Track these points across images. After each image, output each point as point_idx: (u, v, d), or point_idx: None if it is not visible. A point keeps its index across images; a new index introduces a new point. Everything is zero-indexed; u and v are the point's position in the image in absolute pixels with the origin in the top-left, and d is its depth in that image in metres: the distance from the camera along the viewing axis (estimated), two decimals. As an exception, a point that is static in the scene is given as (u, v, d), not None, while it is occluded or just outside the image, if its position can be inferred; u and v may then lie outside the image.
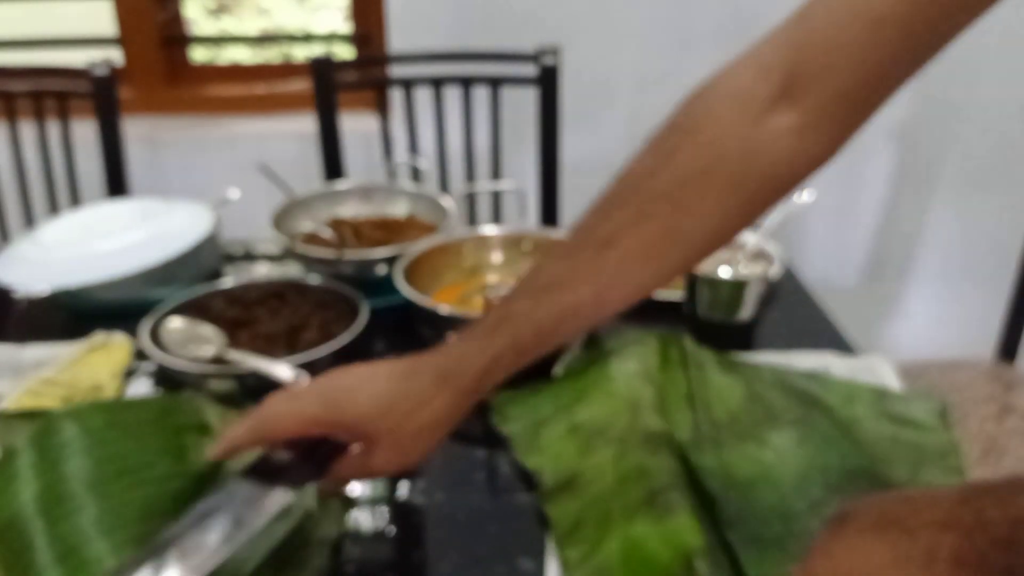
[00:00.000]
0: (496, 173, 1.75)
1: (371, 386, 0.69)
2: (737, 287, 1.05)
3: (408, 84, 1.70)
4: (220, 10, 3.16)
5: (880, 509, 0.52)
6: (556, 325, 0.68)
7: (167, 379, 1.00)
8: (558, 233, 1.19)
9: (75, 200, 1.67)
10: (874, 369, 0.99)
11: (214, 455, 0.70)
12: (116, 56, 1.97)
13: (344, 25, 2.24)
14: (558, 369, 0.98)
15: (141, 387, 1.00)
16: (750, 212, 0.66)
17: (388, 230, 1.26)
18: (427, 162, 1.70)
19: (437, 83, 1.68)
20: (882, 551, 0.51)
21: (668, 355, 0.96)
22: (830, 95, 0.63)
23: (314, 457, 0.70)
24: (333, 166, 1.71)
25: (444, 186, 1.75)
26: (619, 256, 0.65)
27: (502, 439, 0.89)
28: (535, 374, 0.98)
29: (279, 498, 0.66)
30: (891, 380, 0.97)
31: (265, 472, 0.67)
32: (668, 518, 0.72)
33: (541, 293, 0.68)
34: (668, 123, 0.68)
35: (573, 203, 1.80)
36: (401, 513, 0.81)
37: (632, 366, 0.94)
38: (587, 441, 0.85)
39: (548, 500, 0.79)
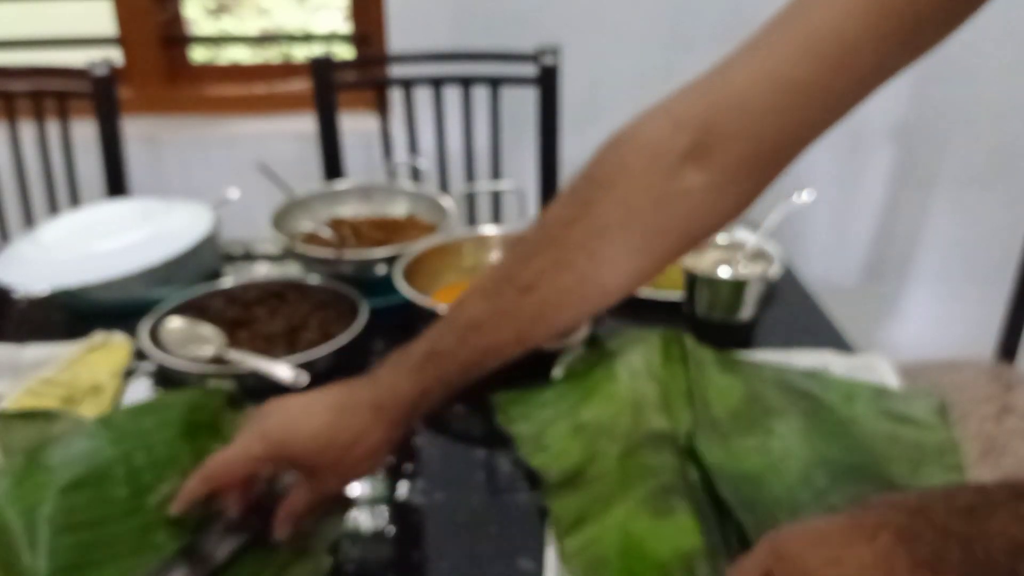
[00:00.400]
0: (496, 173, 1.75)
1: (309, 422, 0.71)
2: (737, 287, 1.05)
3: (408, 84, 1.70)
4: (220, 10, 3.16)
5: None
6: (480, 361, 0.72)
7: (167, 379, 1.00)
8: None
9: (75, 200, 1.67)
10: (873, 368, 0.99)
11: (176, 510, 0.72)
12: (116, 56, 1.97)
13: (344, 25, 2.23)
14: (557, 371, 0.98)
15: (140, 387, 1.00)
16: (663, 261, 0.70)
17: (388, 230, 1.26)
18: (427, 162, 1.70)
19: (437, 83, 1.68)
20: (844, 518, 0.59)
21: (669, 353, 0.96)
22: (740, 157, 0.66)
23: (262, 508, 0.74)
24: (333, 166, 1.71)
25: (444, 186, 1.75)
26: (538, 300, 0.69)
27: (502, 439, 0.89)
28: (536, 374, 0.98)
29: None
30: (890, 379, 0.97)
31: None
32: (669, 518, 0.72)
33: (466, 332, 0.71)
34: (585, 172, 0.70)
35: (573, 203, 1.80)
36: (400, 513, 0.81)
37: (636, 365, 0.94)
38: (592, 439, 0.85)
39: (550, 495, 0.79)
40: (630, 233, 0.68)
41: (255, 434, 0.71)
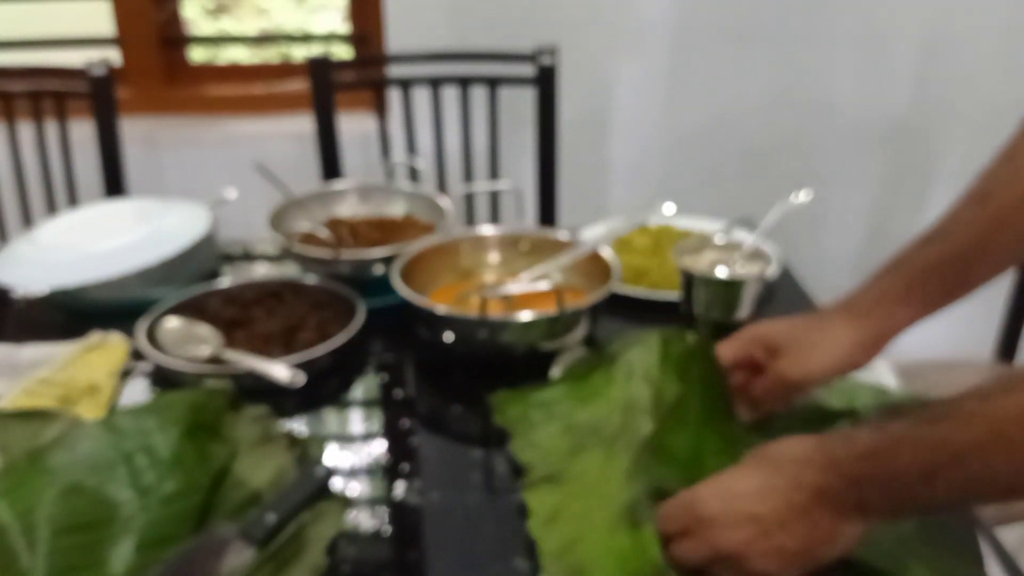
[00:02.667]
0: (494, 173, 1.75)
1: (783, 323, 0.85)
2: (734, 287, 1.05)
3: (406, 84, 1.70)
4: (218, 10, 3.16)
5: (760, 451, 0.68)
6: (941, 267, 0.78)
7: (164, 379, 1.00)
8: (556, 233, 1.19)
9: (73, 200, 1.67)
10: (871, 368, 0.98)
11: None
12: (114, 56, 1.97)
13: (342, 25, 2.23)
14: (555, 371, 0.98)
15: (137, 387, 1.00)
16: None
17: (385, 230, 1.26)
18: (425, 162, 1.70)
19: (435, 83, 1.68)
20: (756, 478, 0.67)
21: (669, 352, 0.96)
22: None
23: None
24: (331, 166, 1.71)
25: (442, 186, 1.75)
26: (995, 207, 0.76)
27: (498, 439, 0.89)
28: (533, 374, 0.98)
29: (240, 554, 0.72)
30: (888, 379, 0.96)
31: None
32: (642, 529, 0.72)
33: (928, 238, 0.79)
34: (1015, 137, 0.79)
35: (571, 203, 1.80)
36: (398, 513, 0.81)
37: (633, 367, 0.94)
38: (580, 440, 0.85)
39: (529, 489, 0.80)
40: None
41: (745, 331, 0.86)
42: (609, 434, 0.84)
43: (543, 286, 1.02)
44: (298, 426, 0.93)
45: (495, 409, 0.94)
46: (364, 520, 0.80)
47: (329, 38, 2.26)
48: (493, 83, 1.67)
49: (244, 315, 1.08)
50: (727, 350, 0.86)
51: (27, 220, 1.69)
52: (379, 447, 0.91)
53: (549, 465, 0.83)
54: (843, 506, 0.63)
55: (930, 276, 0.78)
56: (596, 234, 1.22)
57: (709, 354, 0.93)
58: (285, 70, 2.12)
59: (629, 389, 0.90)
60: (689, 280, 1.07)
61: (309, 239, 1.20)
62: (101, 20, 2.04)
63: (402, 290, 1.03)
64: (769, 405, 0.84)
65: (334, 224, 1.27)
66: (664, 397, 0.89)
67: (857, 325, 0.79)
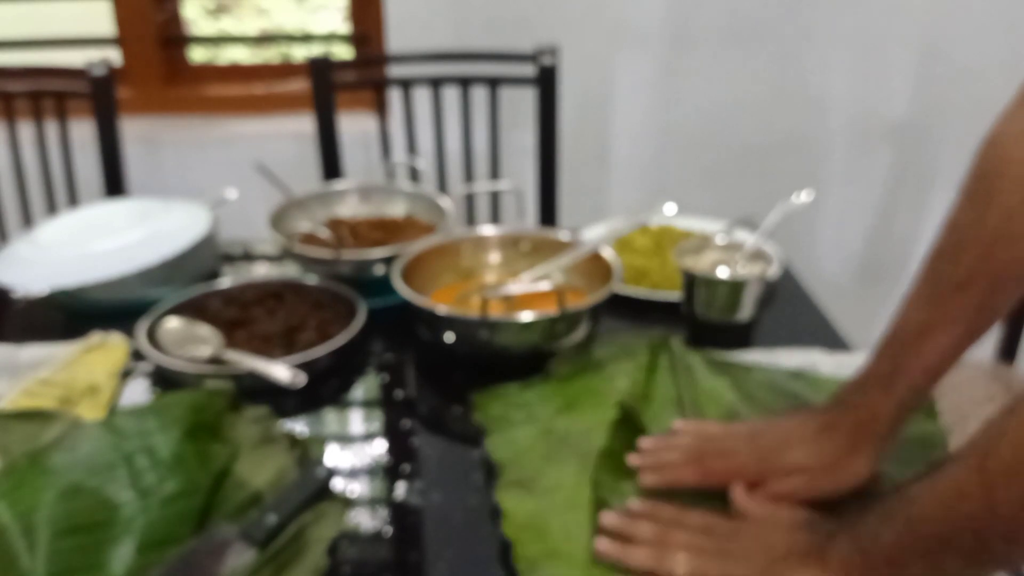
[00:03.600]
0: (494, 173, 1.75)
1: (796, 445, 0.78)
2: (735, 287, 1.05)
3: (406, 84, 1.70)
4: (219, 10, 3.16)
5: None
6: (940, 365, 0.76)
7: (164, 379, 1.00)
8: (557, 233, 1.19)
9: (73, 200, 1.67)
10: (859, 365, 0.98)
11: (650, 484, 0.80)
12: (115, 56, 1.97)
13: (343, 25, 2.23)
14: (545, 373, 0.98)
15: (138, 387, 1.00)
16: None
17: (386, 230, 1.26)
18: (425, 162, 1.70)
19: (435, 83, 1.68)
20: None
21: (657, 362, 0.97)
22: None
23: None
24: (331, 166, 1.71)
25: (442, 186, 1.75)
26: (977, 293, 0.74)
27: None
28: (534, 374, 0.98)
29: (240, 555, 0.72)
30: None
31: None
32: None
33: (920, 340, 0.76)
34: (972, 174, 0.76)
35: (571, 203, 1.80)
36: (398, 514, 0.81)
37: (619, 381, 0.95)
38: (555, 448, 0.85)
39: (503, 490, 0.80)
40: None
41: (745, 451, 0.80)
42: (584, 449, 0.84)
43: (544, 286, 1.02)
44: (299, 427, 0.93)
45: (476, 407, 0.94)
46: (365, 521, 0.80)
47: (329, 38, 2.26)
48: (494, 83, 1.67)
49: (245, 315, 1.08)
50: (739, 466, 0.80)
51: (27, 220, 1.69)
52: (380, 448, 0.91)
53: (521, 467, 0.83)
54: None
55: (932, 375, 0.77)
56: (597, 234, 1.22)
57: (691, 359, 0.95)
58: (285, 70, 2.12)
59: (609, 403, 0.90)
60: (690, 280, 1.07)
61: (310, 239, 1.20)
62: (101, 20, 2.04)
63: (403, 290, 1.03)
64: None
65: (335, 224, 1.27)
66: (656, 403, 0.90)
67: (871, 455, 0.77)
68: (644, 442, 0.84)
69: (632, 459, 0.82)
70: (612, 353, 0.99)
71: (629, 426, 0.86)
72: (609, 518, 0.75)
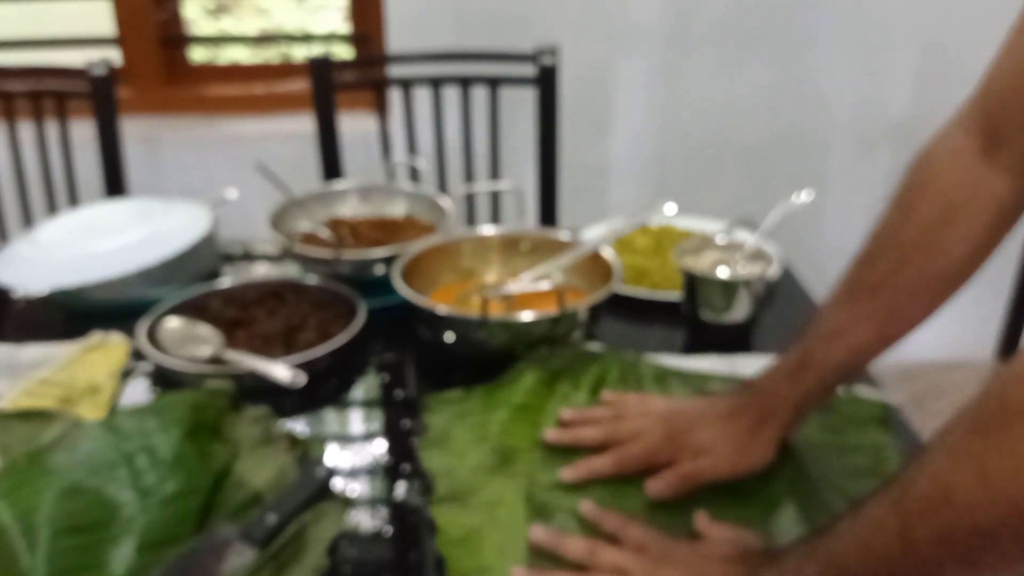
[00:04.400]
0: (494, 173, 1.75)
1: (704, 426, 0.82)
2: (735, 287, 1.05)
3: (407, 84, 1.70)
4: (219, 10, 3.16)
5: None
6: (849, 362, 0.80)
7: (164, 379, 1.00)
8: (557, 233, 1.19)
9: (73, 200, 1.67)
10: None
11: (570, 479, 0.82)
12: (115, 56, 1.97)
13: (343, 25, 2.23)
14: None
15: (138, 387, 1.00)
16: (989, 242, 0.76)
17: (386, 230, 1.26)
18: (425, 162, 1.70)
19: (436, 83, 1.68)
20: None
21: (606, 374, 0.96)
22: None
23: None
24: (331, 166, 1.71)
25: (442, 186, 1.75)
26: (889, 298, 0.77)
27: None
28: (469, 377, 0.98)
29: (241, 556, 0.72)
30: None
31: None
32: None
33: (832, 337, 0.79)
34: (901, 184, 0.80)
35: (572, 203, 1.80)
36: (398, 513, 0.81)
37: (565, 391, 0.94)
38: (495, 463, 0.84)
39: (437, 506, 0.80)
40: (954, 222, 0.75)
41: (656, 431, 0.83)
42: (522, 468, 0.83)
43: (544, 286, 1.02)
44: (299, 426, 0.93)
45: (427, 408, 0.94)
46: (365, 520, 0.80)
47: (330, 38, 2.27)
48: (494, 83, 1.67)
49: (245, 315, 1.08)
50: (650, 449, 0.82)
51: (28, 220, 1.69)
52: (380, 447, 0.91)
53: (454, 480, 0.82)
54: None
55: (841, 373, 0.81)
56: (597, 234, 1.22)
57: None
58: (286, 70, 2.12)
59: (552, 417, 0.90)
60: (690, 280, 1.07)
61: (310, 239, 1.20)
62: (102, 20, 2.04)
63: (403, 290, 1.03)
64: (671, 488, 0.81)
65: (335, 224, 1.27)
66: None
67: (772, 434, 0.80)
68: (565, 413, 0.88)
69: (550, 434, 0.86)
70: (564, 363, 0.98)
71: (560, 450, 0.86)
72: (537, 533, 0.75)
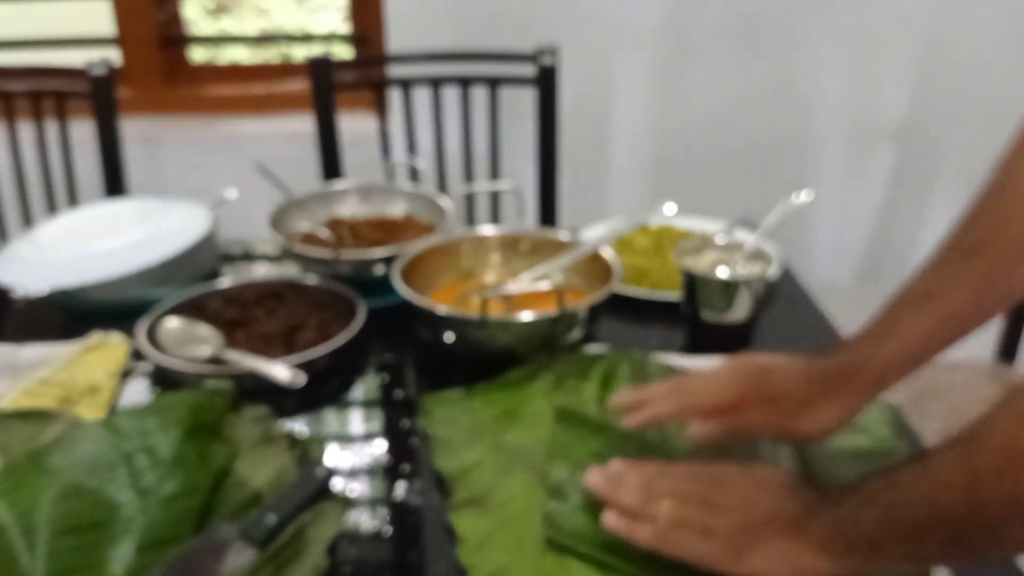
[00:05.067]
0: (494, 173, 1.75)
1: (790, 367, 0.78)
2: (735, 287, 1.05)
3: (406, 84, 1.70)
4: (219, 10, 3.16)
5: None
6: (937, 331, 0.75)
7: (164, 379, 1.00)
8: (556, 233, 1.19)
9: (73, 200, 1.67)
10: None
11: (633, 423, 0.80)
12: (115, 56, 1.97)
13: (343, 25, 2.23)
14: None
15: (138, 387, 1.00)
16: None
17: (386, 230, 1.26)
18: (425, 162, 1.70)
19: (435, 83, 1.68)
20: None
21: (615, 372, 0.96)
22: None
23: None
24: (331, 166, 1.71)
25: (442, 186, 1.75)
26: (989, 260, 0.73)
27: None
28: (469, 377, 0.97)
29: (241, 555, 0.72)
30: None
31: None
32: (566, 554, 0.72)
33: (922, 301, 0.75)
34: (1005, 151, 0.75)
35: (572, 203, 1.80)
36: (398, 513, 0.81)
37: (569, 391, 0.93)
38: (506, 462, 0.84)
39: (455, 511, 0.79)
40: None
41: (729, 371, 0.79)
42: (535, 462, 0.82)
43: (544, 286, 1.02)
44: (298, 426, 0.93)
45: (422, 411, 0.94)
46: (364, 521, 0.80)
47: (329, 38, 2.26)
48: (494, 83, 1.67)
49: (244, 315, 1.08)
50: (720, 387, 0.79)
51: (27, 220, 1.69)
52: (379, 447, 0.91)
53: (472, 485, 0.81)
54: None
55: (929, 342, 0.76)
56: (597, 234, 1.22)
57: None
58: (285, 70, 2.12)
59: (562, 414, 0.89)
60: (690, 280, 1.07)
61: (309, 239, 1.20)
62: (101, 20, 2.04)
63: (403, 290, 1.03)
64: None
65: (334, 224, 1.27)
66: (611, 417, 0.89)
67: (854, 404, 0.77)
68: (622, 396, 0.84)
69: (627, 420, 0.81)
70: (567, 364, 0.98)
71: (572, 429, 0.85)
72: (594, 475, 0.73)
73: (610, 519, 0.70)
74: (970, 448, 0.56)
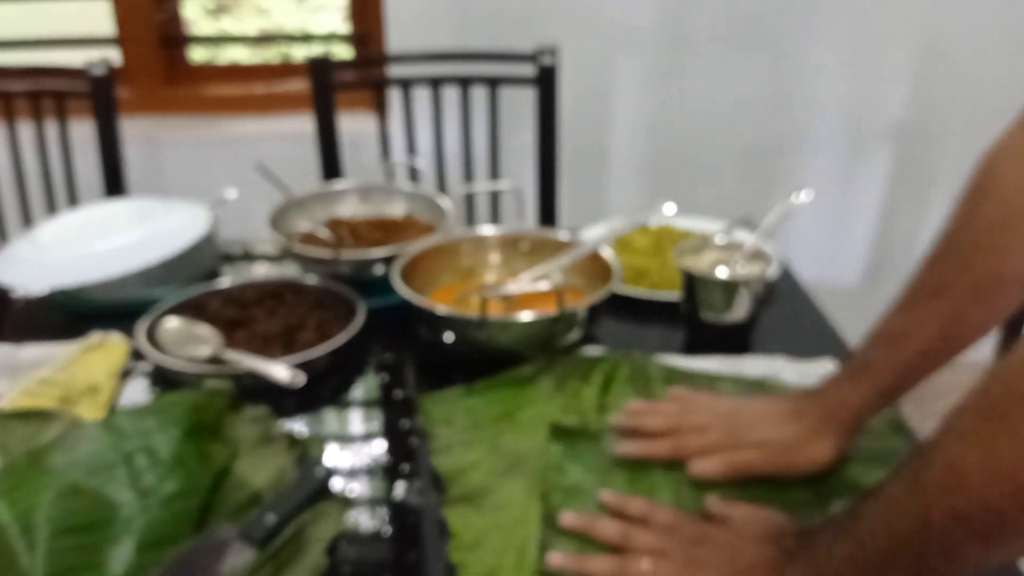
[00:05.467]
0: (494, 173, 1.75)
1: (766, 424, 0.82)
2: (734, 287, 1.05)
3: (406, 84, 1.70)
4: (219, 10, 3.16)
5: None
6: (910, 369, 0.79)
7: (164, 379, 1.00)
8: (556, 233, 1.19)
9: (73, 200, 1.67)
10: (823, 373, 0.97)
11: (625, 453, 0.83)
12: (114, 56, 1.97)
13: (343, 25, 2.23)
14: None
15: (137, 387, 1.00)
16: None
17: (386, 230, 1.26)
18: (425, 162, 1.70)
19: (435, 83, 1.68)
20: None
21: (616, 373, 0.96)
22: None
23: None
24: (331, 166, 1.71)
25: (442, 186, 1.75)
26: (952, 300, 0.76)
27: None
28: (468, 377, 0.97)
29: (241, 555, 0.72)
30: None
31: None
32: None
33: (893, 342, 0.79)
34: (966, 187, 0.78)
35: (571, 203, 1.81)
36: (398, 513, 0.81)
37: (570, 392, 0.94)
38: (505, 464, 0.84)
39: (449, 506, 0.79)
40: (1013, 229, 0.74)
41: (718, 429, 0.83)
42: (533, 467, 0.83)
43: (543, 286, 1.02)
44: (298, 426, 0.93)
45: (421, 410, 0.94)
46: (364, 520, 0.80)
47: (329, 38, 2.26)
48: (493, 83, 1.67)
49: (244, 315, 1.08)
50: (712, 440, 0.83)
51: (27, 220, 1.69)
52: (379, 447, 0.91)
53: (468, 483, 0.82)
54: None
55: (902, 380, 0.80)
56: (596, 234, 1.22)
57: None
58: (285, 70, 2.12)
59: (556, 417, 0.89)
60: (690, 280, 1.07)
61: (309, 239, 1.20)
62: (101, 20, 2.04)
63: (402, 290, 1.03)
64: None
65: (334, 224, 1.27)
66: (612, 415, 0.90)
67: (833, 441, 0.80)
68: (632, 404, 0.88)
69: (615, 418, 0.86)
70: (567, 366, 0.98)
71: (573, 439, 0.86)
72: (569, 518, 0.75)
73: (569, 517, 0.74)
74: (916, 474, 0.57)
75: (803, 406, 0.82)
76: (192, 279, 1.18)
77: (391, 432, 0.94)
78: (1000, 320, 0.77)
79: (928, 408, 1.38)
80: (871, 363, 0.80)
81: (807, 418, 0.81)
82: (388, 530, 0.79)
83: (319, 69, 1.66)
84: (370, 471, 0.87)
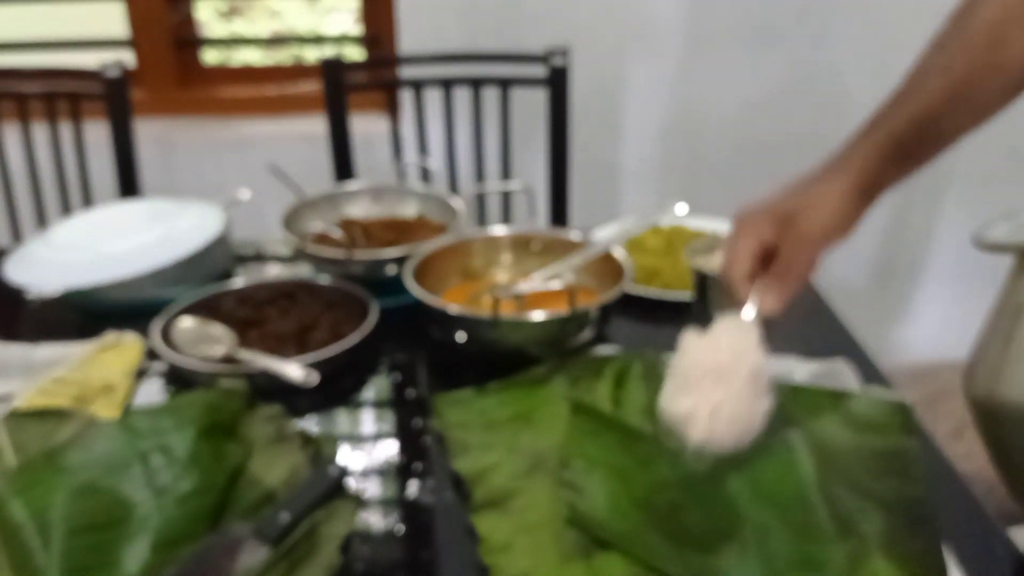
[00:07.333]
0: (506, 173, 1.75)
1: (793, 196, 0.86)
2: (747, 287, 1.04)
3: (418, 85, 1.70)
4: (232, 12, 3.17)
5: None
6: (923, 117, 0.82)
7: (178, 379, 1.01)
8: (568, 233, 1.19)
9: (87, 201, 1.68)
10: (836, 374, 0.97)
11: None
12: (128, 58, 1.98)
13: (355, 27, 2.24)
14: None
15: (152, 387, 1.00)
16: None
17: (398, 230, 1.27)
18: (437, 163, 1.70)
19: (447, 84, 1.69)
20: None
21: (629, 371, 0.95)
22: None
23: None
24: (343, 167, 1.72)
25: (454, 187, 1.75)
26: (961, 72, 0.80)
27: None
28: (481, 377, 0.98)
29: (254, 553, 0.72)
30: (852, 385, 0.95)
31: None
32: (593, 558, 0.72)
33: (900, 96, 0.83)
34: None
35: (583, 203, 1.80)
36: (410, 512, 0.81)
37: (582, 391, 0.93)
38: (526, 465, 0.83)
39: (476, 513, 0.79)
40: (1012, 25, 0.79)
41: (766, 222, 0.86)
42: (554, 466, 0.82)
43: (555, 286, 1.03)
44: (311, 425, 0.93)
45: (435, 412, 0.94)
46: (377, 519, 0.80)
47: (341, 40, 2.27)
48: (505, 84, 1.67)
49: (258, 315, 1.09)
50: (743, 250, 0.87)
51: (42, 221, 1.71)
52: (392, 446, 0.91)
53: (491, 486, 0.81)
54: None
55: (905, 136, 0.83)
56: (608, 234, 1.22)
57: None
58: (298, 72, 2.13)
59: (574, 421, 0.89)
60: (701, 280, 1.07)
61: (322, 239, 1.20)
62: (115, 22, 2.05)
63: (415, 290, 1.03)
64: (795, 279, 0.87)
65: (347, 224, 1.28)
66: (627, 414, 0.89)
67: (846, 183, 0.83)
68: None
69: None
70: (580, 366, 0.98)
71: (587, 424, 0.85)
72: None
73: None
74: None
75: (824, 167, 0.86)
76: (206, 279, 1.18)
77: (403, 431, 0.94)
78: (1002, 105, 0.82)
79: (940, 409, 1.38)
80: (881, 116, 0.84)
81: (829, 175, 0.85)
82: (401, 529, 0.79)
83: (331, 71, 1.66)
84: (383, 470, 0.88)
